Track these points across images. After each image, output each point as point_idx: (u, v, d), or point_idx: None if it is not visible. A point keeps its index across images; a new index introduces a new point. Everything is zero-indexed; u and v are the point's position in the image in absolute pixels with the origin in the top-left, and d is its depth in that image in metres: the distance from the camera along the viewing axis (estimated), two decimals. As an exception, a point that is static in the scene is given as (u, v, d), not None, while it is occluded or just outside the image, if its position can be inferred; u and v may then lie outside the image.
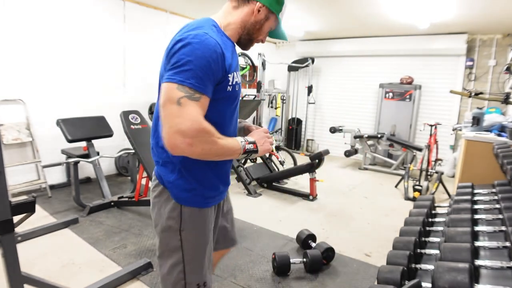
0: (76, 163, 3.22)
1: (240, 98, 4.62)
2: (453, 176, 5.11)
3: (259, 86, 6.71)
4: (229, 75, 1.11)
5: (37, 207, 3.26)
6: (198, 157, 1.06)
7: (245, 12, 1.18)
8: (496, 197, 2.11)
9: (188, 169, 1.15)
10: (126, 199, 3.45)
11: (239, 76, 1.23)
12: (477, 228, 1.72)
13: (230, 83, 1.12)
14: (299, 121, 7.40)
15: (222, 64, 1.06)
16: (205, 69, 1.00)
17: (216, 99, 1.09)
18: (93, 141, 3.69)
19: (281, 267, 2.31)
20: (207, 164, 1.17)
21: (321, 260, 2.40)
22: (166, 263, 1.19)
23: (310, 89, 6.89)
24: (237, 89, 1.19)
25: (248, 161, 5.23)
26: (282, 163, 4.98)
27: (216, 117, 1.12)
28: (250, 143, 1.15)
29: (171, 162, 1.15)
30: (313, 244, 2.65)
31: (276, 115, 7.40)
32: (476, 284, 1.20)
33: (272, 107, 7.43)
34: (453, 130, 4.48)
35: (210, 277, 1.26)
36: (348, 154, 5.89)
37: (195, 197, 1.17)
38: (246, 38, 1.26)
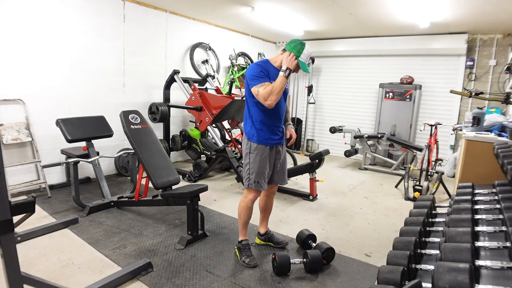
0: (75, 163, 3.22)
1: (240, 98, 4.62)
2: (453, 176, 5.10)
3: (259, 86, 6.69)
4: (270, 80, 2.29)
5: (37, 207, 3.27)
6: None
7: (284, 56, 2.30)
8: (496, 197, 2.11)
9: (254, 126, 2.38)
10: (126, 199, 3.45)
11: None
12: (477, 228, 1.72)
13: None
14: (299, 121, 7.40)
15: (264, 70, 2.29)
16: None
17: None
18: (93, 141, 3.69)
19: (281, 267, 2.31)
20: (262, 123, 2.36)
21: (321, 260, 2.39)
22: (245, 168, 2.44)
23: (310, 89, 6.89)
24: None
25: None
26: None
27: (263, 108, 2.35)
28: (285, 70, 2.21)
29: (249, 122, 2.44)
30: (313, 244, 2.65)
31: (276, 115, 7.38)
32: (476, 285, 1.20)
33: (272, 107, 7.41)
34: (454, 130, 4.47)
35: (263, 182, 2.42)
36: (348, 154, 5.88)
37: (256, 137, 2.38)
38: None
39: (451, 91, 4.25)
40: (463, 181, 2.90)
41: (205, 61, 5.84)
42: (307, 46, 2.27)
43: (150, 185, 3.11)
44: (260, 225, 2.79)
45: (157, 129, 4.95)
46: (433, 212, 2.39)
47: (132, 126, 3.19)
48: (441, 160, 5.23)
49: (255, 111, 2.37)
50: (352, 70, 6.74)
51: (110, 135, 3.87)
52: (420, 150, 5.02)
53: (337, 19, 5.12)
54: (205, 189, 2.88)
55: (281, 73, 2.21)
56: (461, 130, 3.82)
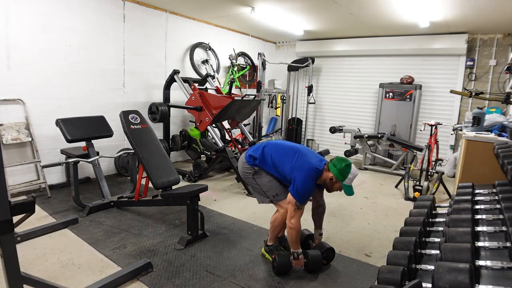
0: (75, 163, 3.21)
1: (240, 98, 4.62)
2: (453, 176, 5.10)
3: (259, 86, 6.71)
4: None
5: (37, 207, 3.27)
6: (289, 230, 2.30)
7: (327, 176, 2.26)
8: (496, 197, 2.11)
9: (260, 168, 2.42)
10: (126, 199, 3.44)
11: None
12: (477, 228, 1.72)
13: None
14: (299, 121, 7.40)
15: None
16: None
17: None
18: (92, 141, 3.69)
19: (281, 267, 2.31)
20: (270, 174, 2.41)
21: (321, 260, 2.39)
22: (255, 188, 2.49)
23: (310, 89, 6.89)
24: None
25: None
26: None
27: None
28: (298, 255, 2.33)
29: (255, 162, 2.41)
30: (313, 244, 2.65)
31: (276, 115, 7.40)
32: (476, 285, 1.20)
33: (272, 107, 7.43)
34: (454, 130, 4.47)
35: (282, 192, 2.39)
36: (348, 154, 5.88)
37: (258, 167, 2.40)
38: (328, 189, 2.37)
39: (451, 91, 4.25)
40: (463, 181, 2.89)
41: (205, 61, 5.84)
42: (353, 168, 2.21)
43: (150, 185, 3.10)
44: None
45: (157, 129, 4.95)
46: (433, 212, 2.39)
47: (132, 126, 3.19)
48: (441, 160, 5.23)
49: (275, 173, 2.38)
50: (352, 70, 6.74)
51: (110, 135, 3.87)
52: (420, 150, 5.02)
53: (337, 19, 5.12)
54: (205, 189, 2.88)
55: (294, 255, 2.32)
56: (461, 130, 3.82)
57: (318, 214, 2.60)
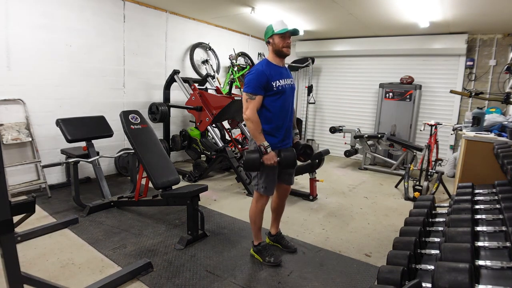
0: (76, 163, 3.22)
1: (240, 98, 4.62)
2: (453, 176, 5.10)
3: (259, 86, 6.69)
4: (272, 82, 2.24)
5: (37, 207, 3.27)
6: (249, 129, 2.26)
7: (270, 48, 2.34)
8: (496, 197, 2.11)
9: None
10: (126, 199, 3.45)
11: (286, 81, 2.34)
12: (477, 228, 1.72)
13: (274, 86, 2.26)
14: (299, 121, 7.40)
15: (265, 78, 2.23)
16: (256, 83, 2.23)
17: (268, 95, 2.26)
18: (93, 141, 3.69)
19: (247, 163, 2.24)
20: (270, 130, 2.30)
21: (294, 156, 2.30)
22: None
23: (310, 89, 6.89)
24: (280, 89, 2.28)
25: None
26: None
27: (270, 106, 2.28)
28: (265, 148, 2.22)
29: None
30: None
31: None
32: (476, 285, 1.20)
33: (272, 107, 7.42)
34: (453, 130, 4.47)
35: (272, 187, 2.39)
36: (348, 154, 5.88)
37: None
38: (279, 53, 2.33)
39: (451, 91, 4.25)
40: (463, 181, 2.89)
41: (205, 61, 5.84)
42: (273, 22, 2.29)
43: (150, 185, 3.11)
44: (271, 225, 2.77)
45: (157, 129, 4.95)
46: (433, 212, 2.39)
47: (132, 126, 3.19)
48: (441, 160, 5.23)
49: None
50: (352, 70, 6.74)
51: (110, 135, 3.87)
52: (420, 150, 5.02)
53: (337, 19, 5.12)
54: (205, 189, 2.88)
55: (261, 148, 2.21)
56: (461, 130, 3.82)
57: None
